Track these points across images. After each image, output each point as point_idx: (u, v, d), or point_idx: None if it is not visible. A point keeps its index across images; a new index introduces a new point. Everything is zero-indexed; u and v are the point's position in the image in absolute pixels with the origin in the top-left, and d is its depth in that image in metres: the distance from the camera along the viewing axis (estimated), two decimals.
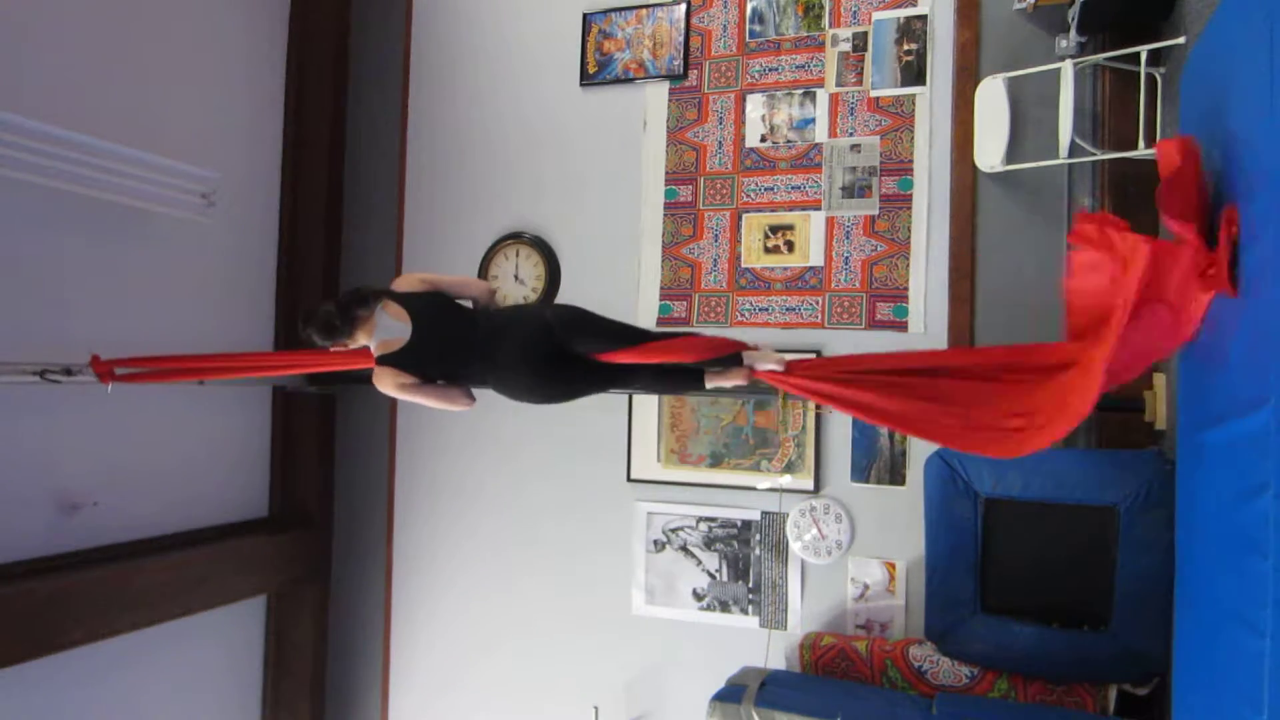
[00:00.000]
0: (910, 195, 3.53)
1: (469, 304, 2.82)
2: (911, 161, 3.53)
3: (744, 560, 3.69)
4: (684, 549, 3.78)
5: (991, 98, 3.22)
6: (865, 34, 3.63)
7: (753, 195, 3.76)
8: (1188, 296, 2.01)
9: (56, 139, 3.03)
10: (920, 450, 3.35)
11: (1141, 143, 2.89)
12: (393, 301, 2.64)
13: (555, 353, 2.57)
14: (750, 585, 3.67)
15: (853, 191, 3.61)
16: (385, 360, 2.61)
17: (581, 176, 4.04)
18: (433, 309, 2.66)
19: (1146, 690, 2.84)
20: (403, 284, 2.74)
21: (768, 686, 2.98)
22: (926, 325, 3.47)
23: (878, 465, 3.49)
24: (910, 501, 3.39)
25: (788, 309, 3.67)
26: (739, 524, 3.70)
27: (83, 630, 3.14)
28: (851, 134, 3.63)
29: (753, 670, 3.19)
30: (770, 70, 3.77)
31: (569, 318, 2.63)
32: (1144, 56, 2.87)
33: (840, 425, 3.55)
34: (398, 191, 4.36)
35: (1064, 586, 2.97)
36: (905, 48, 3.56)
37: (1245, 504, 1.76)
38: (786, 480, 3.59)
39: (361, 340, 2.64)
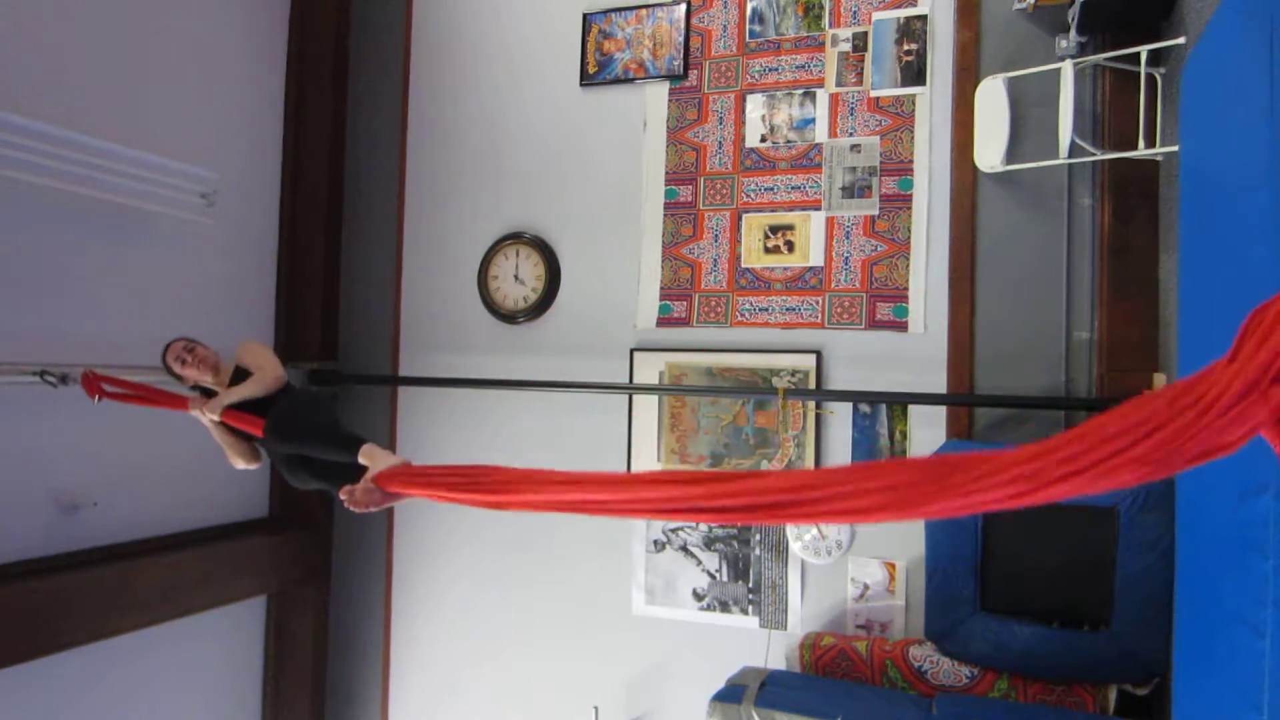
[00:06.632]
0: (910, 195, 3.53)
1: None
2: (911, 161, 3.53)
3: (744, 560, 3.69)
4: (684, 549, 3.77)
5: (991, 98, 3.22)
6: (865, 34, 3.62)
7: (753, 195, 3.76)
8: None
9: (56, 139, 3.03)
10: (921, 450, 3.35)
11: (1141, 143, 2.90)
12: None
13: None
14: (750, 585, 3.67)
15: (853, 191, 3.61)
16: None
17: (581, 176, 4.04)
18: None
19: (1146, 690, 2.84)
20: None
21: (768, 686, 2.98)
22: (926, 325, 3.47)
23: None
24: None
25: (788, 309, 3.67)
26: (738, 524, 3.70)
27: (83, 630, 3.14)
28: (851, 134, 3.63)
29: (753, 670, 3.19)
30: (770, 70, 3.77)
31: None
32: (1144, 56, 2.87)
33: (841, 426, 3.54)
34: (398, 191, 4.36)
35: (1064, 586, 2.97)
36: (905, 48, 3.56)
37: (1245, 504, 1.75)
38: None
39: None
